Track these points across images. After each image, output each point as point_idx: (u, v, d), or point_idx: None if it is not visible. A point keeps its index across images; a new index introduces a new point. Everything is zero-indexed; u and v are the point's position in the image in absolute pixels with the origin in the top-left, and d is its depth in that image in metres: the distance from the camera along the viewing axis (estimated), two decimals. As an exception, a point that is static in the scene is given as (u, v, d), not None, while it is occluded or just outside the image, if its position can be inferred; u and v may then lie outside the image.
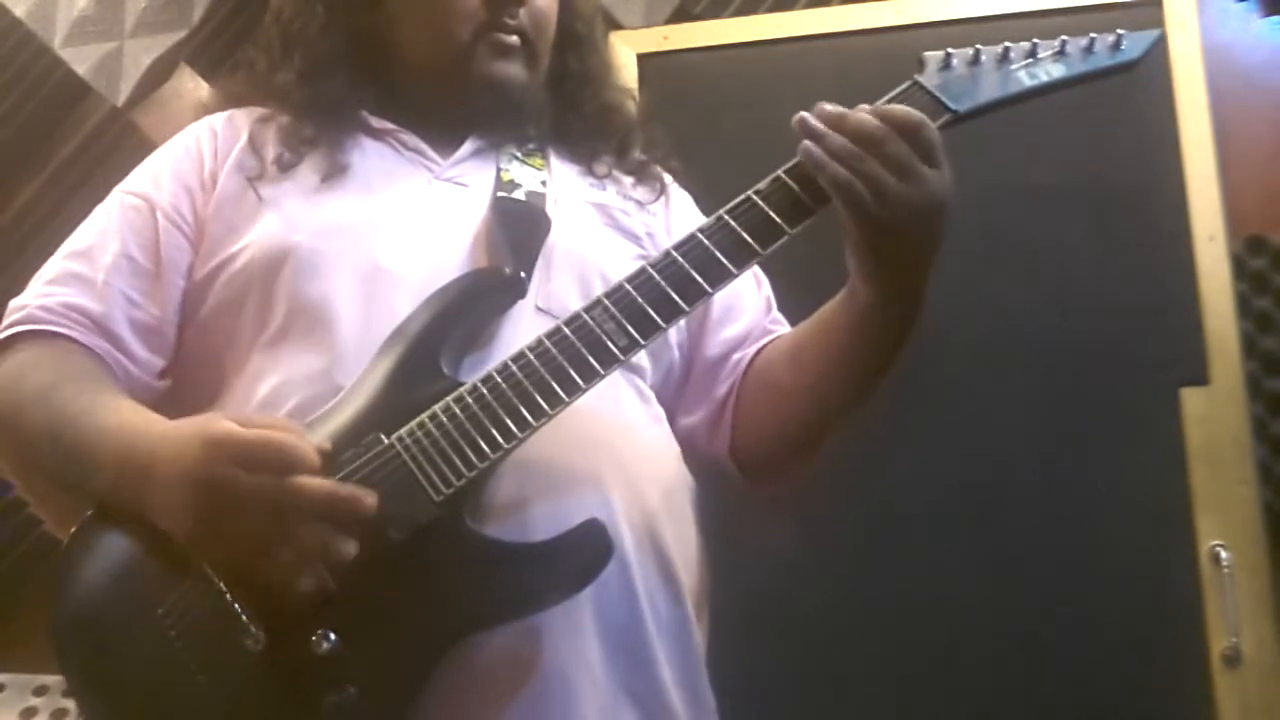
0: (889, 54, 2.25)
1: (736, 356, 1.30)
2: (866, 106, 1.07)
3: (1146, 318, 2.13)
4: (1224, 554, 2.01)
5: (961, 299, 2.15)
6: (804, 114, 1.07)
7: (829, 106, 1.07)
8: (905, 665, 2.07)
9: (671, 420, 1.27)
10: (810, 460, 1.29)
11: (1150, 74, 2.15)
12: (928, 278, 1.12)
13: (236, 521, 0.94)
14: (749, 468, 1.28)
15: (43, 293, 1.18)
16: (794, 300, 1.37)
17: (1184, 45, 2.19)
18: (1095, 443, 2.10)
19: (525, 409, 1.00)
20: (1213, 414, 2.08)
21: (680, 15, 2.46)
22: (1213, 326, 2.10)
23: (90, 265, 1.19)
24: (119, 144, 2.58)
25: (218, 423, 0.97)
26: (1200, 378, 2.09)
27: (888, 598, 2.09)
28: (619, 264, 1.22)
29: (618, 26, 2.43)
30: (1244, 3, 2.25)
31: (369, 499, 0.95)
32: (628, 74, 2.34)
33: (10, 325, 1.16)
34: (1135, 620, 2.03)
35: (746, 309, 1.33)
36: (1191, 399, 2.09)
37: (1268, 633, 2.00)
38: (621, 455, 1.11)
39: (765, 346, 1.30)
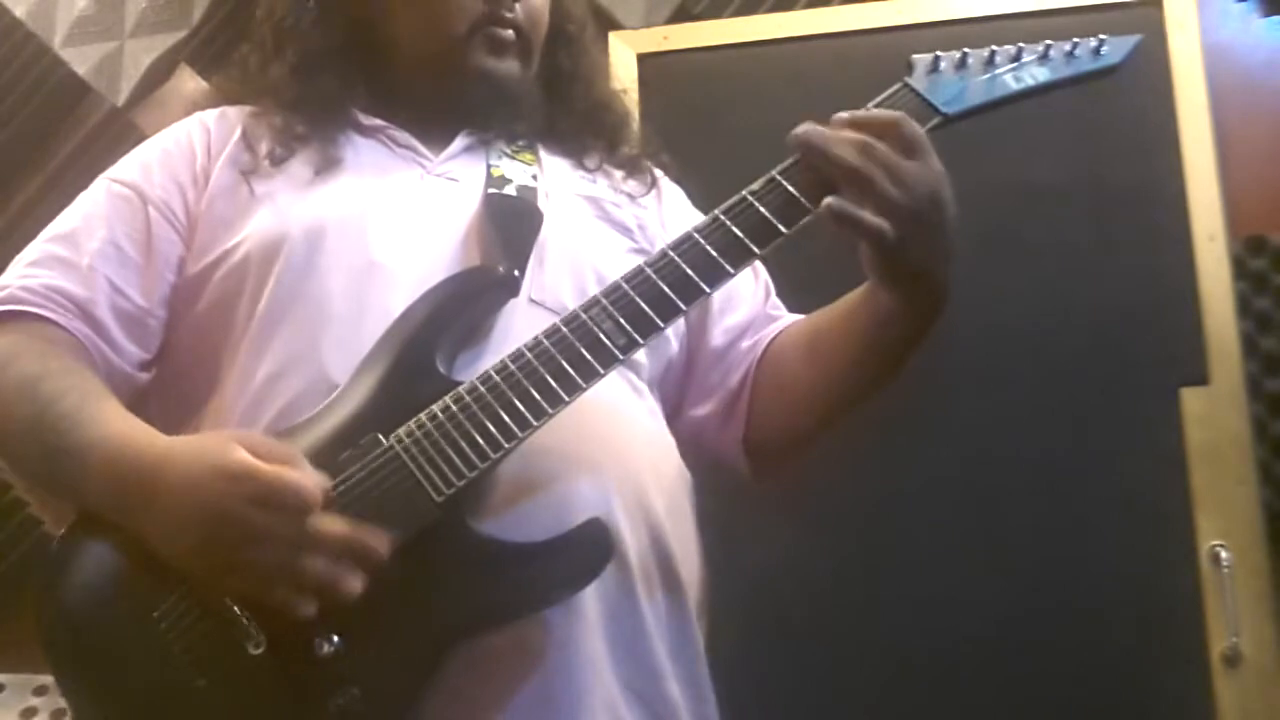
0: (888, 54, 2.23)
1: (745, 345, 1.30)
2: (844, 114, 1.07)
3: (1146, 318, 2.13)
4: (1224, 554, 2.01)
5: (961, 299, 2.13)
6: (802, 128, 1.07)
7: (812, 127, 1.06)
8: (904, 662, 2.06)
9: (679, 413, 1.27)
10: (813, 447, 1.29)
11: (1150, 74, 2.15)
12: (949, 270, 1.11)
13: (249, 555, 0.93)
14: (759, 456, 1.28)
15: (24, 274, 1.15)
16: (796, 294, 1.37)
17: (1184, 45, 2.18)
18: (1095, 443, 2.10)
19: (525, 408, 1.00)
20: (1213, 414, 2.07)
21: (680, 15, 2.45)
22: (1213, 326, 2.10)
23: (74, 249, 1.16)
24: (119, 144, 2.57)
25: (234, 453, 0.95)
26: (1200, 378, 2.09)
27: (887, 595, 2.09)
28: (612, 256, 1.22)
29: (618, 26, 2.43)
30: (1244, 3, 2.25)
31: (383, 545, 0.95)
32: (627, 74, 2.34)
33: None
34: (1135, 620, 2.03)
35: (745, 297, 1.34)
36: (1191, 399, 2.09)
37: (1268, 633, 2.00)
38: (620, 449, 1.11)
39: (779, 335, 1.30)
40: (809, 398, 1.24)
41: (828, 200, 1.03)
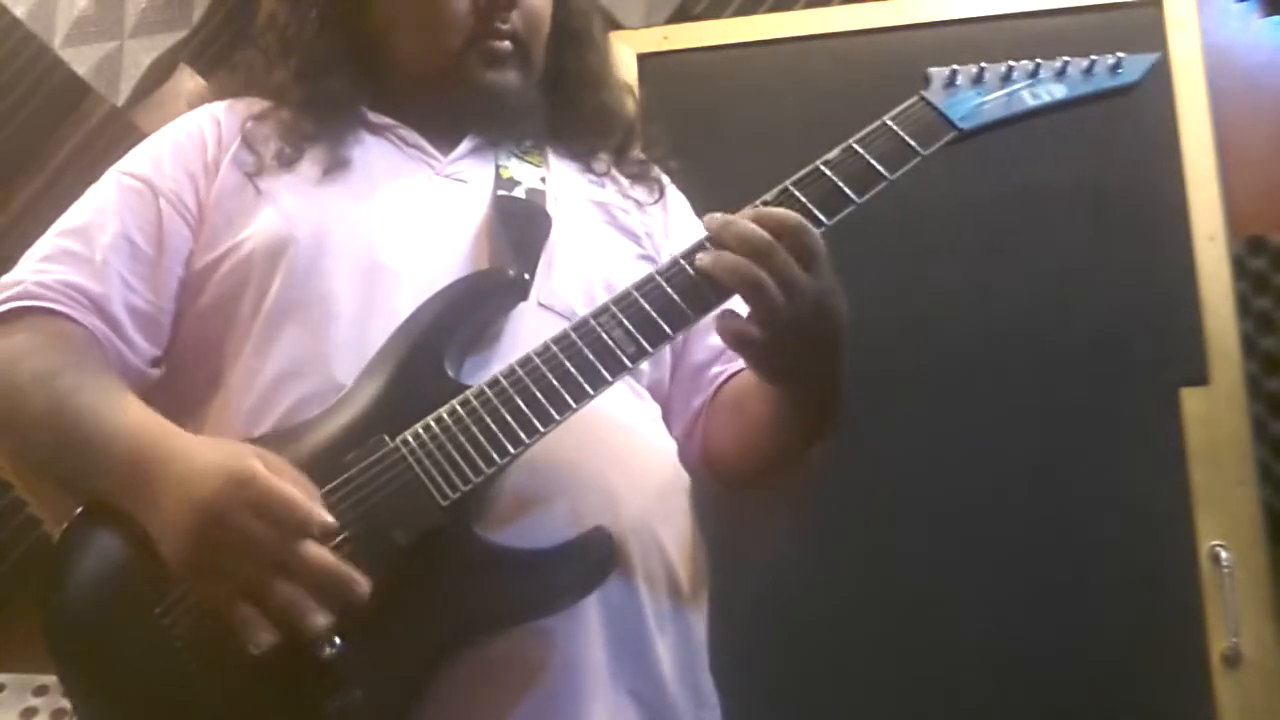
0: (889, 54, 2.25)
1: (713, 371, 1.29)
2: (748, 211, 1.03)
3: (1146, 318, 2.13)
4: (1224, 554, 2.01)
5: (961, 299, 2.16)
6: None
7: (716, 215, 1.04)
8: (904, 663, 2.07)
9: (666, 423, 1.27)
10: (784, 481, 1.28)
11: (1150, 74, 2.15)
12: (839, 370, 1.11)
13: (229, 563, 0.92)
14: (722, 479, 1.28)
15: (38, 269, 1.13)
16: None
17: (1184, 45, 2.18)
18: (1095, 443, 2.10)
19: (533, 415, 0.99)
20: (1213, 414, 2.08)
21: (680, 15, 2.46)
22: (1213, 326, 2.10)
23: (87, 244, 1.15)
24: (119, 144, 2.56)
25: (247, 460, 0.94)
26: (1200, 378, 2.10)
27: (887, 596, 2.09)
28: (620, 262, 1.22)
29: (618, 26, 2.43)
30: (1244, 3, 2.25)
31: (362, 587, 0.93)
32: (627, 74, 2.34)
33: (6, 300, 1.11)
34: (1135, 620, 2.04)
35: None
36: (1191, 399, 2.09)
37: (1268, 633, 2.00)
38: (621, 454, 1.11)
39: (738, 373, 1.28)
40: (753, 438, 1.23)
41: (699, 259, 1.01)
